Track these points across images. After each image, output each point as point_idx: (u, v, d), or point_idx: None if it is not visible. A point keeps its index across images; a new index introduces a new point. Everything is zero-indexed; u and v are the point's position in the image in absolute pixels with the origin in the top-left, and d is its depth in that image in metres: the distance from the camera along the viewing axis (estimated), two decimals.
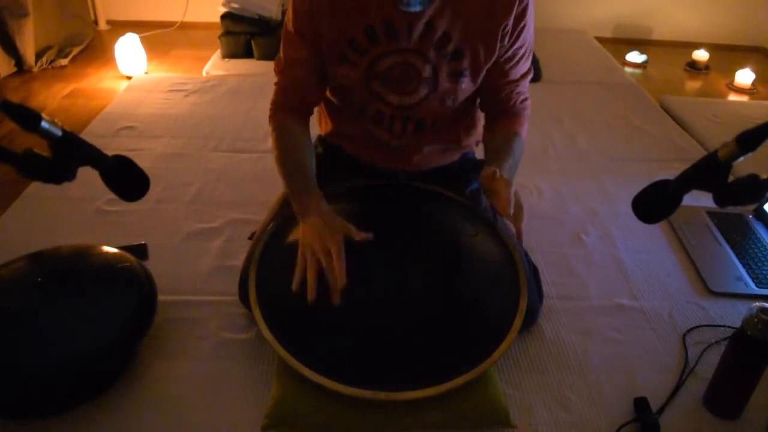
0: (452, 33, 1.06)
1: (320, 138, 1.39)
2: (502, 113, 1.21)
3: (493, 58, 1.11)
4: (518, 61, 1.15)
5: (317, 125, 1.37)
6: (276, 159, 1.13)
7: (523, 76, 1.19)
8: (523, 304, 1.07)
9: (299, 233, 1.05)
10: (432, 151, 1.27)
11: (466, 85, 1.14)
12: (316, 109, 1.32)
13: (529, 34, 1.13)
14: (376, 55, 1.08)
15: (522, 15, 1.08)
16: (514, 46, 1.12)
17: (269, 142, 1.94)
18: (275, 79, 1.17)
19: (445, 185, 1.28)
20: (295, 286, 1.00)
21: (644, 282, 1.38)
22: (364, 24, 1.05)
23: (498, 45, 1.09)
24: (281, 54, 1.14)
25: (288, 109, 1.17)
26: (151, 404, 1.02)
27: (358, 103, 1.17)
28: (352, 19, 1.05)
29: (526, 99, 1.22)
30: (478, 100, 1.26)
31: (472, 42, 1.08)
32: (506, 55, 1.13)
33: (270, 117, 1.18)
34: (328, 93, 1.23)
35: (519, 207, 1.00)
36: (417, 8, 0.99)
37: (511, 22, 1.07)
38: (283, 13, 2.91)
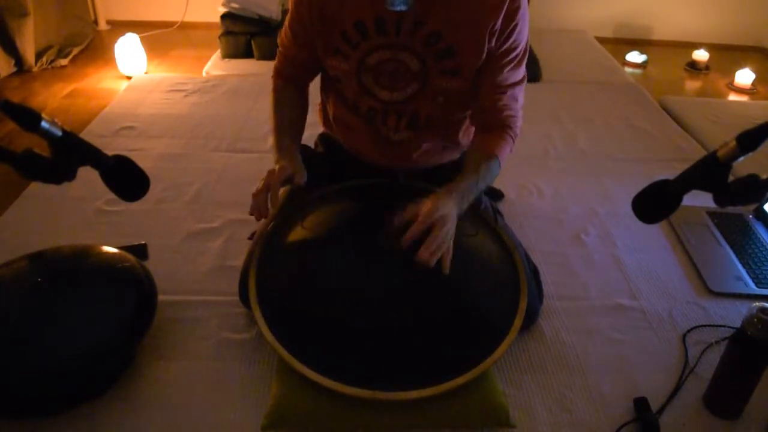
0: (442, 31, 1.07)
1: (321, 136, 1.40)
2: (489, 127, 1.17)
3: (483, 57, 1.10)
4: (506, 65, 1.11)
5: (318, 120, 1.38)
6: (269, 115, 1.24)
7: (512, 85, 1.14)
8: (523, 305, 1.07)
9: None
10: (431, 148, 1.27)
11: (458, 84, 1.14)
12: (317, 105, 1.34)
13: (520, 39, 1.10)
14: (367, 49, 1.10)
15: (513, 15, 1.06)
16: (503, 48, 1.09)
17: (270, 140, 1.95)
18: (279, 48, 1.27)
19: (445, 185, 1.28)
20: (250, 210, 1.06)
21: (644, 282, 1.38)
22: (355, 19, 1.08)
23: (486, 44, 1.08)
24: (282, 30, 1.23)
25: (285, 76, 1.28)
26: (151, 404, 1.02)
27: (351, 98, 1.20)
28: (344, 12, 1.08)
29: (514, 117, 1.16)
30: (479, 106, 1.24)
31: (461, 40, 1.08)
32: (494, 55, 1.10)
33: (272, 77, 1.29)
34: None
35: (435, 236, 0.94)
36: (402, 8, 1.00)
37: (500, 21, 1.06)
38: (283, 12, 2.92)
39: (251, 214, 1.06)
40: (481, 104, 1.16)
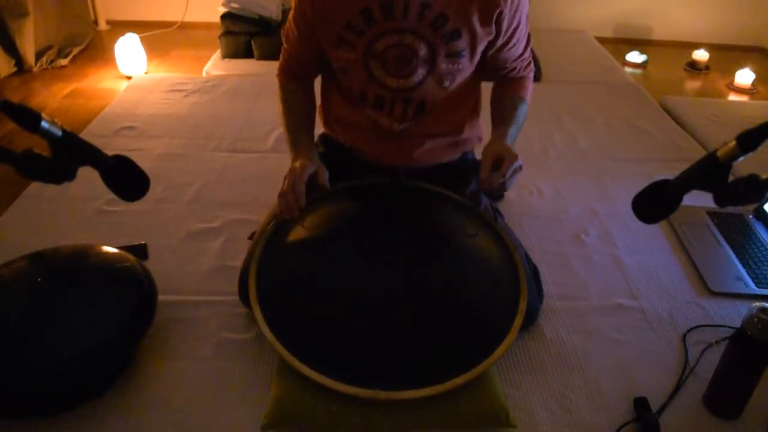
0: (448, 13, 1.08)
1: (321, 136, 1.40)
2: (507, 80, 1.28)
3: (489, 38, 1.13)
4: (517, 42, 1.19)
5: (319, 118, 1.38)
6: (280, 113, 1.26)
7: (524, 50, 1.24)
8: (523, 305, 1.07)
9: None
10: (433, 146, 1.27)
11: (464, 66, 1.15)
12: (318, 106, 1.34)
13: (522, 13, 1.16)
14: (372, 35, 1.10)
15: None
16: (511, 28, 1.15)
17: (274, 140, 1.95)
18: (284, 45, 1.28)
19: (445, 185, 1.28)
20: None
21: (644, 282, 1.38)
22: (360, 7, 1.08)
23: (493, 26, 1.11)
24: (286, 28, 1.23)
25: (291, 74, 1.29)
26: (151, 404, 1.02)
27: (358, 89, 1.19)
28: (347, 2, 1.08)
29: (529, 63, 1.29)
30: (493, 77, 1.29)
31: (468, 23, 1.10)
32: (505, 38, 1.16)
33: (277, 75, 1.31)
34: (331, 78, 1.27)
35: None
36: None
37: (507, 3, 1.09)
38: (283, 12, 2.92)
39: (281, 215, 1.07)
40: (497, 73, 1.27)
